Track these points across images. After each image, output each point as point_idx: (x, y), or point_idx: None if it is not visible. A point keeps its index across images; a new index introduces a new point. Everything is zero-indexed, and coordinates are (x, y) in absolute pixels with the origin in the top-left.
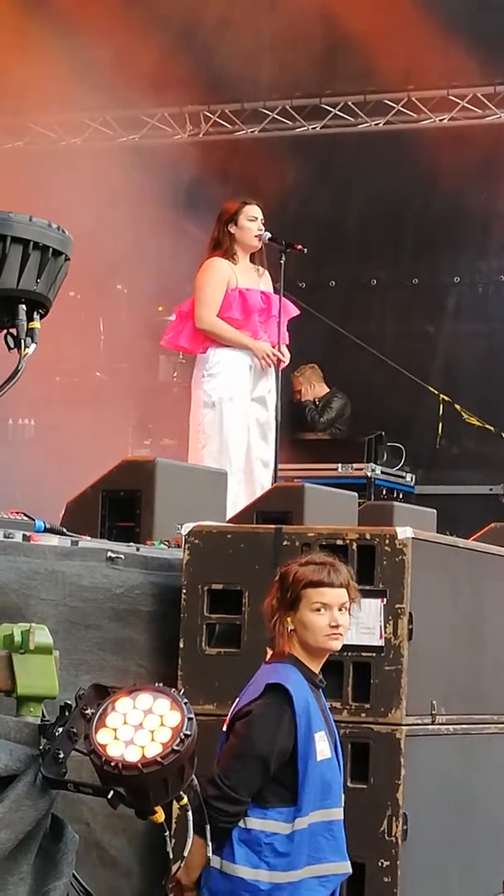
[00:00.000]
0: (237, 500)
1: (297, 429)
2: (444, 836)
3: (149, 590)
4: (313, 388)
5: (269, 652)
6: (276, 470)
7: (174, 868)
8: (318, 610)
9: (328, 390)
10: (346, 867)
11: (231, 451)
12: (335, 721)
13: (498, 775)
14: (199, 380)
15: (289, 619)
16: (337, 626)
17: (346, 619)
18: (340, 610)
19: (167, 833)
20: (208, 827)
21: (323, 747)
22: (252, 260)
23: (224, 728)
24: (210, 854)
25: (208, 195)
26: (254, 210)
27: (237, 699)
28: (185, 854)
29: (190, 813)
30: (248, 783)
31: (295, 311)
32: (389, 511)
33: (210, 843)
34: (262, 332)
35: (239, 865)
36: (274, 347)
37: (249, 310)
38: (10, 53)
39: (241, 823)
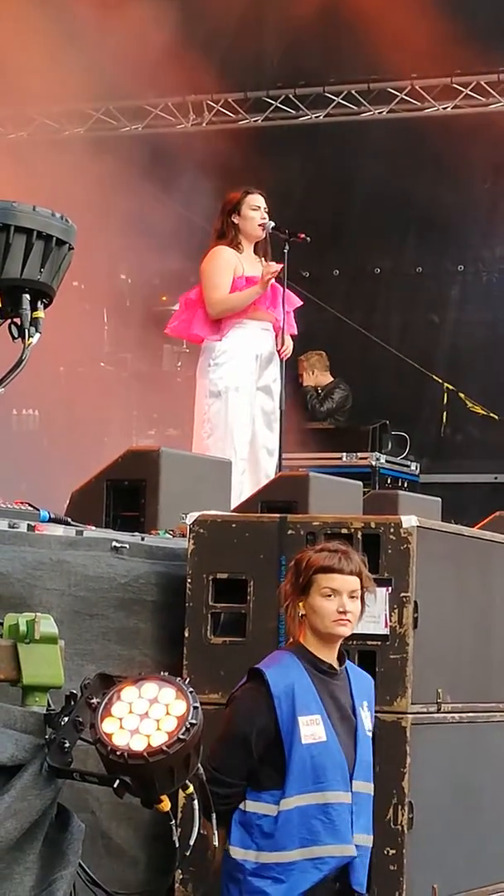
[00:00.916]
0: (242, 489)
1: (299, 415)
2: (450, 824)
3: (154, 579)
4: (315, 375)
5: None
6: (280, 459)
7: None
8: (328, 595)
9: (331, 379)
10: (345, 850)
11: (236, 440)
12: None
13: None
14: (204, 369)
15: (300, 605)
16: (345, 612)
17: (357, 606)
18: (351, 597)
19: (173, 822)
20: (215, 813)
21: (313, 731)
22: (256, 251)
23: None
24: (198, 831)
25: (212, 185)
26: (257, 199)
27: None
28: (191, 842)
29: (196, 801)
30: (235, 765)
31: (298, 302)
32: (394, 500)
33: (216, 830)
34: (271, 313)
35: (233, 846)
36: (278, 336)
37: (257, 298)
38: (12, 43)
39: (241, 806)
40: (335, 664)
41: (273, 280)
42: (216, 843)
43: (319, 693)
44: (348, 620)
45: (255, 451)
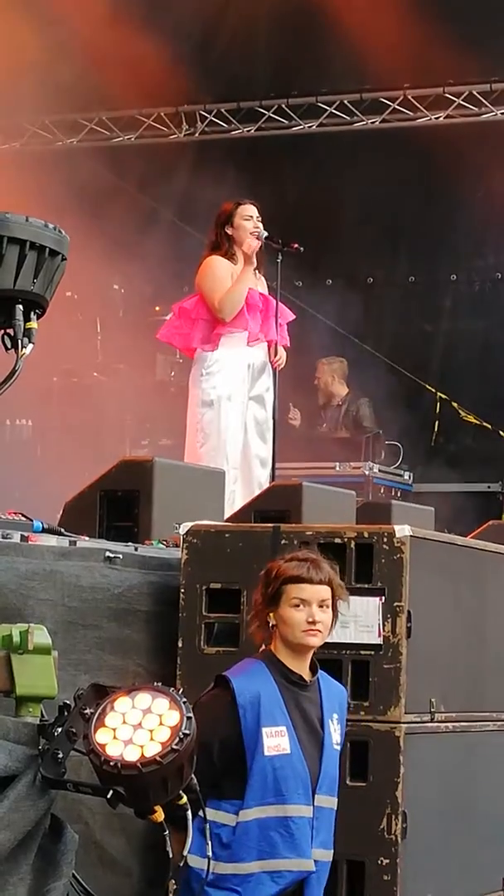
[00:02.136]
0: (234, 498)
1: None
2: (443, 834)
3: (147, 589)
4: (335, 382)
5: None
6: (273, 469)
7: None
8: (297, 606)
9: (347, 389)
10: (303, 864)
11: (228, 449)
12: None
13: (497, 773)
14: (196, 378)
15: (271, 615)
16: (314, 623)
17: (327, 615)
18: (320, 607)
19: (166, 832)
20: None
21: (277, 742)
22: (250, 261)
23: None
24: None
25: (204, 195)
26: (249, 209)
27: None
28: (185, 853)
29: (189, 812)
30: (197, 771)
31: (291, 315)
32: (387, 509)
33: (191, 836)
34: (260, 331)
35: (191, 854)
36: (271, 347)
37: (249, 307)
38: (5, 53)
39: (200, 813)
40: (306, 675)
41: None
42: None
43: (287, 704)
44: (318, 631)
45: (247, 461)
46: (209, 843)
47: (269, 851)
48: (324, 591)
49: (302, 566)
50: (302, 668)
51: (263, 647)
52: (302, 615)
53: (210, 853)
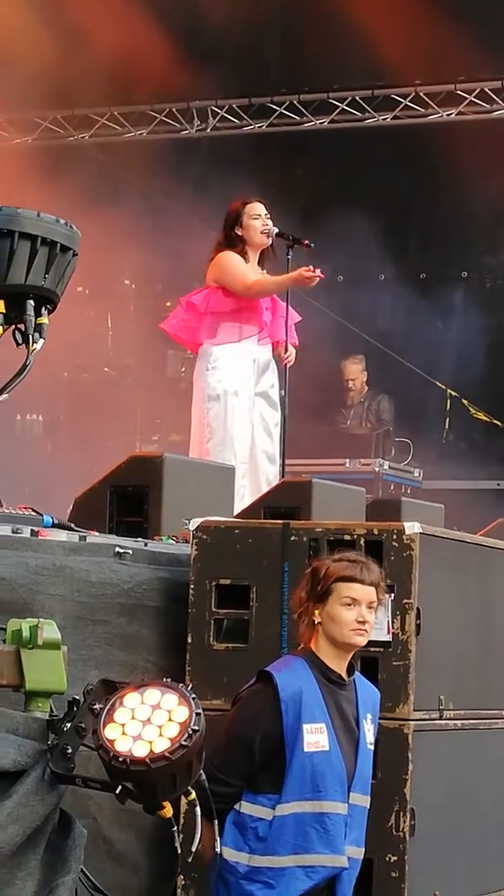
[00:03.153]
0: (241, 493)
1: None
2: (451, 831)
3: (157, 585)
4: (361, 379)
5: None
6: (283, 465)
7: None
8: (349, 605)
9: (368, 389)
10: (337, 860)
11: (235, 444)
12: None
13: None
14: (202, 373)
15: (317, 612)
16: (363, 623)
17: (373, 617)
18: (369, 608)
19: (175, 828)
20: (215, 813)
21: (316, 739)
22: (262, 259)
23: None
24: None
25: (216, 190)
26: (256, 207)
27: None
28: (194, 849)
29: (198, 808)
30: (235, 766)
31: (297, 317)
32: (397, 506)
33: (217, 832)
34: (268, 329)
35: (226, 847)
36: (280, 346)
37: (259, 306)
38: (17, 48)
39: (236, 807)
40: (344, 674)
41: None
42: (217, 847)
43: (326, 702)
44: (365, 631)
45: (254, 456)
46: (243, 837)
47: (303, 846)
48: (372, 593)
49: (355, 567)
50: (341, 667)
51: (302, 644)
52: (352, 614)
53: (246, 847)
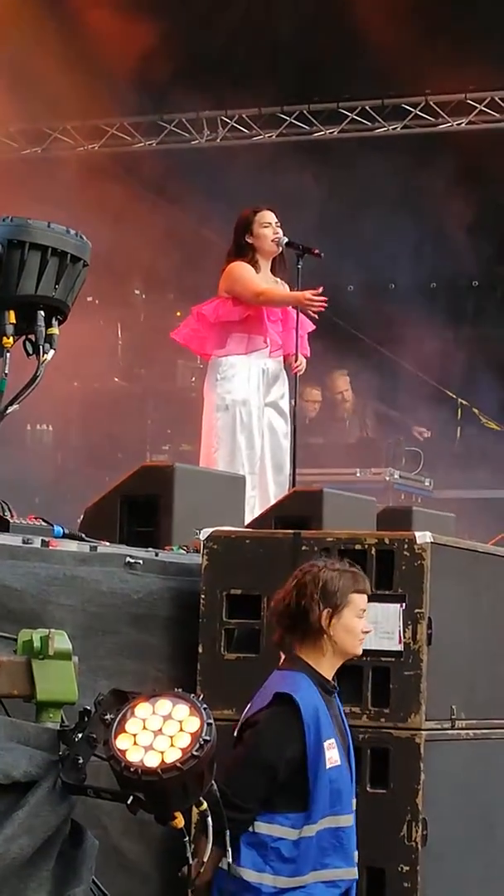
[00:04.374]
0: (254, 504)
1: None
2: (463, 841)
3: (167, 595)
4: (349, 391)
5: (283, 657)
6: (293, 474)
7: (193, 873)
8: (360, 616)
9: (354, 399)
10: (353, 873)
11: (244, 454)
12: (355, 725)
13: None
14: (212, 383)
15: (332, 622)
16: (367, 632)
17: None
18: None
19: (187, 838)
20: (228, 833)
21: (332, 755)
22: (273, 271)
23: (234, 734)
24: (226, 858)
25: (225, 200)
26: (267, 216)
27: (249, 705)
28: (205, 859)
29: (210, 818)
30: (254, 791)
31: (311, 326)
32: (408, 515)
33: (229, 849)
34: (280, 340)
35: (244, 868)
36: (290, 357)
37: (266, 317)
38: (27, 59)
39: (250, 829)
40: (334, 683)
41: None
42: (229, 861)
43: (330, 715)
44: (363, 639)
45: (263, 467)
46: (264, 858)
47: (323, 862)
48: None
49: (360, 578)
50: (332, 675)
51: (289, 655)
52: (360, 625)
53: (269, 869)
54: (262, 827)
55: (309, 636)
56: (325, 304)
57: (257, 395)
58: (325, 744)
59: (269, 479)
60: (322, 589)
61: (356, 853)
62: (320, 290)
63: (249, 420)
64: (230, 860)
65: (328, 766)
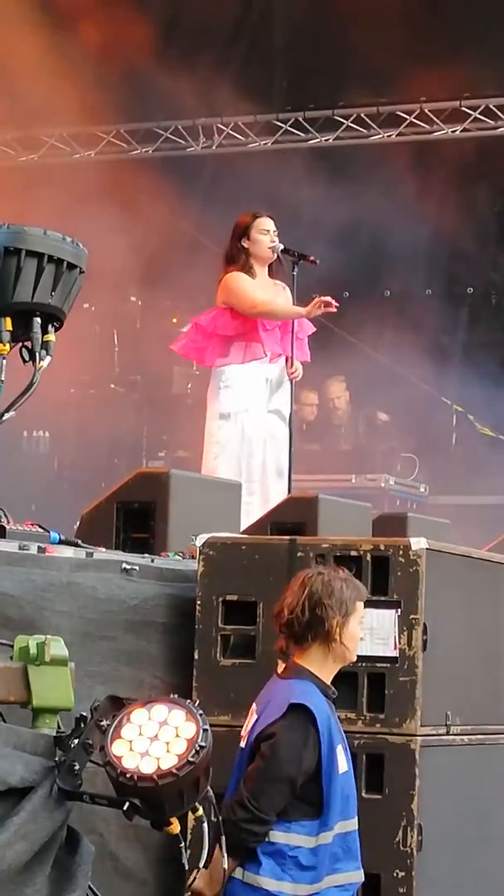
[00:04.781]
0: (252, 510)
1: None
2: (459, 847)
3: (164, 601)
4: (344, 398)
5: (282, 665)
6: (289, 480)
7: (190, 879)
8: (361, 623)
9: (350, 407)
10: (361, 875)
11: (246, 462)
12: (350, 731)
13: None
14: (214, 392)
15: (341, 631)
16: (361, 639)
17: None
18: None
19: (182, 844)
20: (223, 838)
21: (342, 760)
22: (271, 274)
23: (242, 744)
24: (225, 866)
25: (221, 207)
26: (266, 223)
27: (254, 714)
28: (201, 865)
29: (206, 824)
30: (276, 804)
31: (311, 329)
32: (403, 522)
33: (225, 856)
34: (279, 347)
35: (263, 877)
36: (288, 362)
37: (267, 325)
38: (22, 66)
39: (266, 838)
40: (334, 689)
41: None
42: (224, 864)
43: (335, 721)
44: None
45: (265, 474)
46: (282, 867)
47: (335, 866)
48: None
49: (361, 586)
50: (330, 681)
51: (285, 664)
52: (359, 632)
53: (289, 877)
54: (278, 836)
55: (318, 644)
56: (334, 305)
57: (259, 403)
58: (337, 749)
59: (270, 486)
60: (334, 596)
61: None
62: (327, 300)
63: (251, 428)
64: (240, 868)
65: (340, 771)
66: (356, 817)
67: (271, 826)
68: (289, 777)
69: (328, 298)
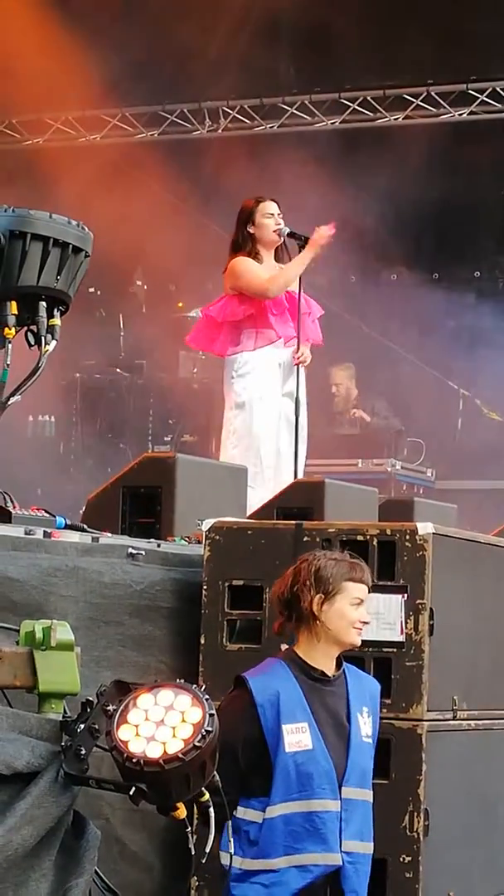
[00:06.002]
0: (267, 497)
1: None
2: (465, 832)
3: (169, 586)
4: (352, 387)
5: (285, 646)
6: (295, 463)
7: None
8: (356, 605)
9: (358, 396)
10: (329, 858)
11: (262, 450)
12: None
13: None
14: (228, 381)
15: (323, 608)
16: (365, 623)
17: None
18: (365, 608)
19: (189, 829)
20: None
21: (299, 738)
22: (278, 259)
23: None
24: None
25: (227, 191)
26: (270, 206)
27: None
28: (207, 849)
29: (212, 809)
30: (225, 774)
31: (320, 311)
32: (410, 506)
33: (212, 831)
34: (292, 329)
35: (221, 850)
36: (305, 343)
37: (275, 310)
38: (29, 50)
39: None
40: (329, 671)
41: (296, 289)
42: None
43: (309, 700)
44: (362, 630)
45: (280, 460)
46: (231, 839)
47: (295, 846)
48: (367, 594)
49: (360, 568)
50: (328, 664)
51: (285, 646)
52: (357, 614)
53: (231, 849)
54: (238, 811)
55: (302, 622)
56: (333, 228)
57: (274, 388)
58: (287, 727)
59: (285, 471)
60: (315, 575)
61: (354, 838)
62: (324, 228)
63: (266, 415)
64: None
65: (288, 749)
66: (335, 800)
67: (230, 797)
68: (227, 746)
69: (324, 227)
